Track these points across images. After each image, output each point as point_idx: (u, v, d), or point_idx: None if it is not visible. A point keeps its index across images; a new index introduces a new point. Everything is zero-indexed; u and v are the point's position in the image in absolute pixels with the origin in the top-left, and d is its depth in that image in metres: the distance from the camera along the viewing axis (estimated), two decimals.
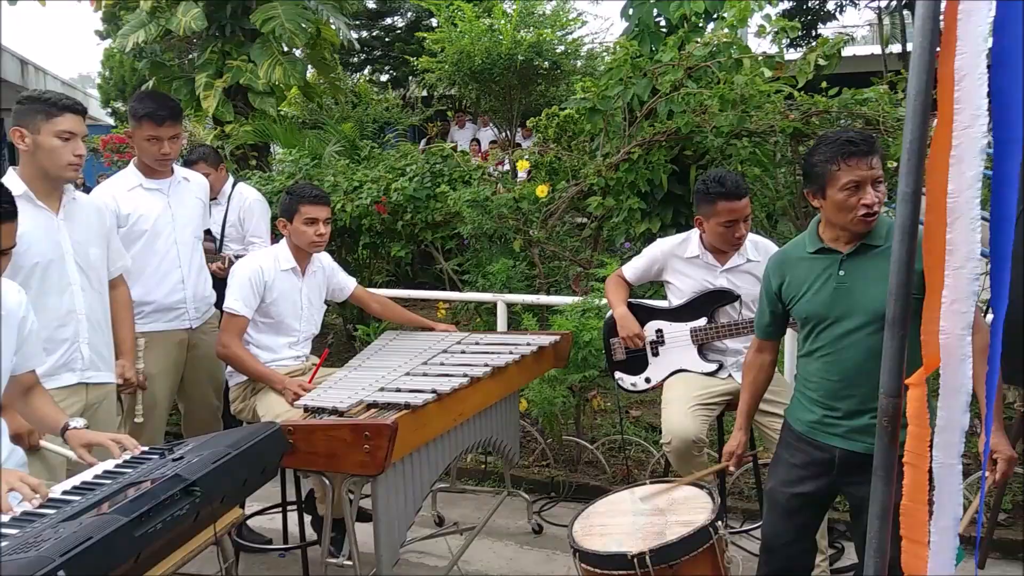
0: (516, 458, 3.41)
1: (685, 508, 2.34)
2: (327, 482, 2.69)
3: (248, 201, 4.17)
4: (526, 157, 5.47)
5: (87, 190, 3.15)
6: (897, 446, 1.46)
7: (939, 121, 1.44)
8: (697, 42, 4.47)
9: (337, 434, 2.32)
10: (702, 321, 3.04)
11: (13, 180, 2.45)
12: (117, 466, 1.88)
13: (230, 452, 1.83)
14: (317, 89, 9.02)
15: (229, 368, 3.08)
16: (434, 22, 10.70)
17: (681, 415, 2.83)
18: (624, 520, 2.34)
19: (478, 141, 10.91)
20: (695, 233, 3.05)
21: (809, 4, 14.86)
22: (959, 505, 1.48)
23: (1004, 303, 1.44)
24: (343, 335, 5.80)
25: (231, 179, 4.26)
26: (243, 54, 7.78)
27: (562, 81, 8.80)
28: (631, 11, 5.17)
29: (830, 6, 14.95)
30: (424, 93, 10.48)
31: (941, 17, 1.44)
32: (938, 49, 1.44)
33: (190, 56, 8.66)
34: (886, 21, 14.28)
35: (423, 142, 11.12)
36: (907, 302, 1.42)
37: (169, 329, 3.16)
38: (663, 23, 5.14)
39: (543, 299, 4.29)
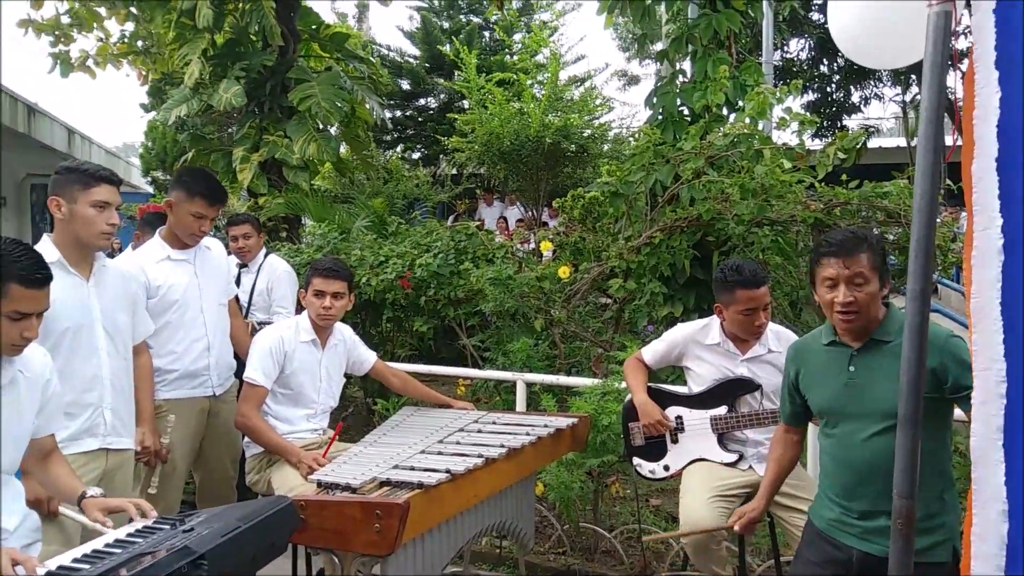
0: (531, 544, 3.34)
1: None
2: (337, 561, 2.65)
3: (278, 271, 4.28)
4: (549, 238, 5.53)
5: None
6: (913, 550, 1.42)
7: (968, 221, 1.45)
8: (719, 132, 4.57)
9: (348, 511, 2.30)
10: (723, 409, 3.00)
11: (47, 247, 2.50)
12: (128, 535, 1.88)
13: (240, 526, 1.82)
14: (349, 165, 9.30)
15: (246, 438, 3.09)
16: (465, 104, 11.05)
17: (699, 506, 2.77)
18: None
19: (505, 219, 11.09)
20: (716, 320, 3.04)
21: (834, 96, 15.16)
22: None
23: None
24: (363, 408, 5.78)
25: (264, 249, 4.38)
26: (280, 130, 8.07)
27: (588, 163, 8.96)
28: (655, 99, 5.33)
29: (855, 99, 15.24)
30: (454, 171, 10.73)
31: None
32: (959, 142, 1.46)
33: (229, 130, 8.98)
34: (911, 114, 14.48)
35: (451, 218, 11.33)
36: (919, 401, 1.40)
37: (192, 396, 3.19)
38: (686, 112, 5.28)
39: (563, 380, 4.26)
